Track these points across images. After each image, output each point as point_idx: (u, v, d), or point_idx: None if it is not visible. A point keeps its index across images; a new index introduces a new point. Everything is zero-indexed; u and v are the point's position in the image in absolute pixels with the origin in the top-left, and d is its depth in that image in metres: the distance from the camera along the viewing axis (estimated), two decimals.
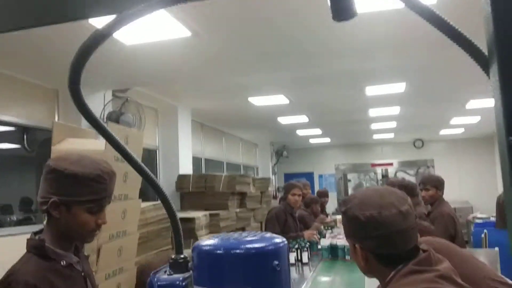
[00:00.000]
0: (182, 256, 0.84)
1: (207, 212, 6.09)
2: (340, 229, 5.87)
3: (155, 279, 0.80)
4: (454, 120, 9.75)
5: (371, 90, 6.63)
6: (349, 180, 12.48)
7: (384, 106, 7.97)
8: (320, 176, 13.72)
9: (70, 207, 1.54)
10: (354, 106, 7.90)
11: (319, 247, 4.52)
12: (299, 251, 4.20)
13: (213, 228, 6.06)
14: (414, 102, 7.65)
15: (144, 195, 3.47)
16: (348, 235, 1.53)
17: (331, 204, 9.97)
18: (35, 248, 1.56)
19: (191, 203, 6.78)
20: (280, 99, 6.99)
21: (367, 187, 1.79)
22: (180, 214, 4.74)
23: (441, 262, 1.45)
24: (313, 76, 5.87)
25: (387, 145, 13.31)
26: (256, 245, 0.76)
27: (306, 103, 7.66)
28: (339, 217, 7.31)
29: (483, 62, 0.60)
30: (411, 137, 12.67)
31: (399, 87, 6.49)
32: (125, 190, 2.85)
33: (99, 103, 5.35)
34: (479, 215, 8.58)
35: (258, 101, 7.09)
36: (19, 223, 4.91)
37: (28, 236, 1.63)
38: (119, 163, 2.71)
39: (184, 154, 7.29)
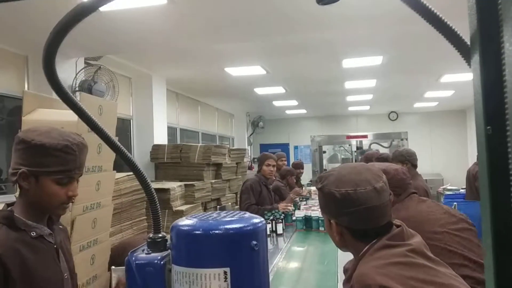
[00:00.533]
0: (160, 235, 0.83)
1: (182, 183, 6.08)
2: (314, 201, 5.96)
3: (133, 257, 0.79)
4: (428, 94, 9.90)
5: (348, 63, 6.65)
6: (324, 152, 12.60)
7: (361, 79, 8.02)
8: (296, 147, 13.82)
9: (38, 178, 1.54)
10: (330, 79, 7.92)
11: (294, 218, 4.58)
12: (273, 222, 4.25)
13: (188, 199, 6.07)
14: (390, 75, 7.72)
15: (118, 166, 3.43)
16: (323, 211, 1.55)
17: (306, 176, 10.08)
18: (4, 218, 1.56)
19: (166, 173, 6.76)
20: (257, 70, 6.95)
21: (343, 164, 1.80)
22: (154, 185, 4.73)
23: (413, 237, 1.50)
24: (290, 47, 5.83)
25: (362, 117, 13.45)
26: (235, 226, 0.75)
27: (283, 75, 7.63)
28: (313, 188, 7.42)
29: (465, 52, 0.61)
30: (386, 109, 12.82)
31: (376, 60, 6.52)
32: (99, 162, 2.81)
33: (71, 70, 5.20)
34: (449, 187, 8.82)
35: (234, 71, 7.02)
36: None
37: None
38: (92, 134, 2.64)
39: (158, 123, 7.22)
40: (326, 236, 4.04)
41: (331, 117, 13.44)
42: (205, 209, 6.47)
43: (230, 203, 7.07)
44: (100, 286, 2.91)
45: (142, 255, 0.80)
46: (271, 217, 4.28)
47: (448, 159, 12.15)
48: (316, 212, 4.41)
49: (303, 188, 6.90)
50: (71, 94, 0.81)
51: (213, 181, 6.79)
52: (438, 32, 0.65)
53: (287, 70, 7.27)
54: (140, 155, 6.92)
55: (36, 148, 1.51)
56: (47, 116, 2.55)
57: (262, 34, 5.05)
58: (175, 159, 6.69)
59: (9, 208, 1.60)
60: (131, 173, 3.99)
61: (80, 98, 2.87)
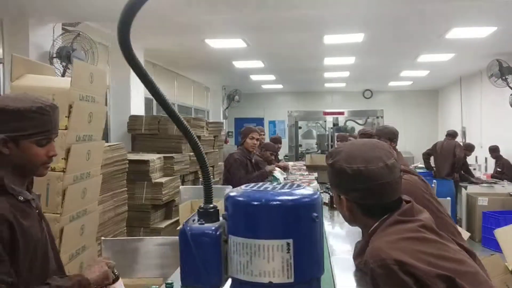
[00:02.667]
0: (211, 205, 0.82)
1: (162, 155, 6.02)
2: (294, 176, 6.02)
3: (188, 227, 0.77)
4: (404, 73, 10.05)
5: (330, 39, 6.64)
6: (300, 127, 12.65)
7: (340, 56, 8.05)
8: (271, 122, 13.85)
9: (18, 142, 1.57)
10: (311, 54, 7.91)
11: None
12: None
13: (167, 171, 6.02)
14: (370, 53, 7.77)
15: None
16: (333, 186, 1.56)
17: (282, 150, 10.14)
18: None
19: (143, 144, 6.65)
20: (237, 43, 6.86)
21: (353, 140, 1.81)
22: (132, 156, 4.65)
23: (421, 213, 1.53)
24: (272, 21, 5.78)
25: (337, 94, 13.56)
26: (297, 197, 0.75)
27: (264, 49, 7.59)
28: (291, 163, 7.48)
29: None
30: (361, 87, 12.96)
31: (357, 37, 6.53)
32: (89, 131, 2.72)
33: (47, 36, 4.99)
34: (420, 165, 9.06)
35: (215, 43, 6.92)
36: None
37: None
38: (83, 102, 2.57)
39: (135, 94, 7.07)
40: None
41: (307, 93, 13.48)
42: (183, 182, 6.45)
43: None
44: (89, 256, 2.88)
45: (196, 225, 0.78)
46: None
47: (419, 138, 12.40)
48: None
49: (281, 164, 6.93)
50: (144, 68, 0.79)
51: (191, 153, 6.74)
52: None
53: (268, 44, 7.22)
54: (116, 125, 6.78)
55: (12, 114, 1.55)
56: (37, 83, 2.44)
57: (245, 8, 4.97)
58: (153, 131, 6.59)
59: None
60: (113, 143, 3.92)
61: (73, 65, 2.76)
